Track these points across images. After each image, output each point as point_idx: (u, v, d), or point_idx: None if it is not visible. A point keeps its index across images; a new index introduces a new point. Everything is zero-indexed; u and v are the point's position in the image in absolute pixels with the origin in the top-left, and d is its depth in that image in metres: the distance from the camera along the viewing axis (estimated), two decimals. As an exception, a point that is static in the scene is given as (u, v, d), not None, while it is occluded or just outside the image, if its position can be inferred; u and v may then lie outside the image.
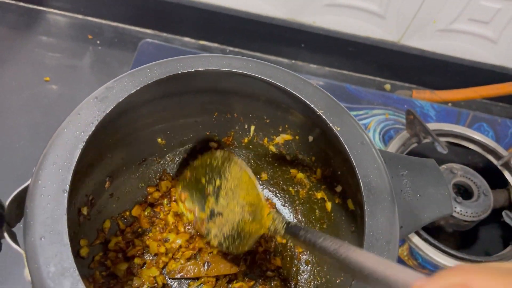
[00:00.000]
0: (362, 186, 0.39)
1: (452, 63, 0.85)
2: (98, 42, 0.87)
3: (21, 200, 0.37)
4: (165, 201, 0.56)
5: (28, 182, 0.37)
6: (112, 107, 0.40)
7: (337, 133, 0.42)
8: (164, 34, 0.89)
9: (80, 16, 0.89)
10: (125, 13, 0.88)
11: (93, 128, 0.39)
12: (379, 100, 0.77)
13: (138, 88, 0.42)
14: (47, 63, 0.83)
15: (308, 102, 0.44)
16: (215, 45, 0.90)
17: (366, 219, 0.38)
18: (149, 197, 0.56)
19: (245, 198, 0.49)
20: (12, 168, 0.71)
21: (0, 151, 0.71)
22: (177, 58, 0.44)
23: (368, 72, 0.91)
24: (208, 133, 0.58)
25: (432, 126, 0.73)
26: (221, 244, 0.48)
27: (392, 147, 0.72)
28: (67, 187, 0.36)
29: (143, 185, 0.57)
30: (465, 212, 0.64)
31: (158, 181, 0.57)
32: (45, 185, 0.36)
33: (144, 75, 0.43)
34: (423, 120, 0.70)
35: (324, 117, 0.43)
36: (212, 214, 0.51)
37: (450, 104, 0.84)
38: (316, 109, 0.43)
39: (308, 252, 0.56)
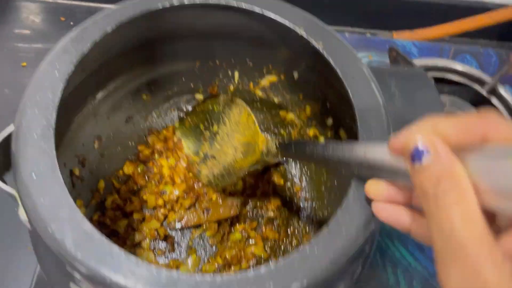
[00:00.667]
0: (351, 95, 0.39)
1: (429, 3, 0.85)
2: (71, 23, 0.86)
3: (6, 146, 0.36)
4: (156, 156, 0.56)
5: (11, 127, 0.36)
6: (90, 48, 0.39)
7: (323, 52, 0.42)
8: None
9: (50, 0, 0.88)
10: (96, -9, 0.86)
11: (73, 68, 0.38)
12: (361, 43, 0.77)
13: (114, 27, 0.41)
14: (22, 51, 0.81)
15: (287, 23, 0.43)
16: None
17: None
18: (140, 154, 0.55)
19: (240, 139, 0.49)
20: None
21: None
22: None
23: (348, 24, 0.91)
24: (192, 85, 0.58)
25: (416, 62, 0.73)
26: (211, 182, 0.48)
27: (379, 87, 0.71)
28: (53, 123, 0.35)
29: (133, 143, 0.56)
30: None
31: (145, 137, 0.57)
32: (30, 125, 0.35)
33: (119, 14, 0.42)
34: (406, 55, 0.69)
35: (305, 35, 0.42)
36: (205, 157, 0.50)
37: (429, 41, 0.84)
38: (296, 29, 0.43)
39: (307, 189, 0.56)
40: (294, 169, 0.58)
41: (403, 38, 0.79)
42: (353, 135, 0.44)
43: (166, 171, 0.54)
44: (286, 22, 0.43)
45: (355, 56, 0.42)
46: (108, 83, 0.51)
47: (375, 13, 0.88)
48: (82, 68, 0.40)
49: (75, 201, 0.49)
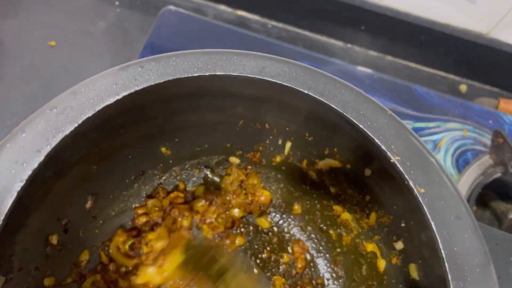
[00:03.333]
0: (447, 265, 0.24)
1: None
2: (117, 3, 0.73)
3: None
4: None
5: None
6: (76, 125, 0.26)
7: (420, 197, 0.27)
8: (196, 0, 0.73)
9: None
10: (151, -30, 0.73)
11: (42, 158, 0.25)
12: (456, 110, 0.60)
13: (119, 98, 0.27)
14: (55, 25, 0.69)
15: (378, 142, 0.28)
16: (256, 17, 0.74)
17: None
18: (136, 220, 0.43)
19: None
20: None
21: (-12, 128, 0.60)
22: (185, 53, 0.29)
23: (441, 68, 0.73)
24: (228, 145, 0.44)
25: (524, 152, 0.56)
26: None
27: (468, 176, 0.55)
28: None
29: (137, 205, 0.44)
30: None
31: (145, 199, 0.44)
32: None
33: (132, 76, 0.28)
34: (516, 147, 0.52)
35: (401, 168, 0.28)
36: None
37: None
38: (389, 154, 0.28)
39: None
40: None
41: (513, 112, 0.62)
42: (432, 284, 0.31)
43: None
44: (377, 141, 0.28)
45: (468, 217, 0.27)
46: (117, 134, 0.38)
47: (479, 62, 0.70)
48: (72, 137, 0.27)
49: (43, 280, 0.39)
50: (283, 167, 0.45)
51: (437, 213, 0.26)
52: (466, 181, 0.55)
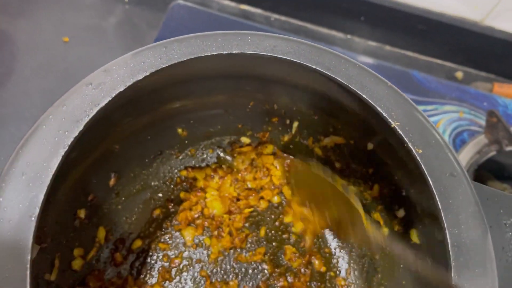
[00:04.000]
0: (449, 242, 0.27)
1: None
2: (126, 0, 0.76)
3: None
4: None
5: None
6: (110, 98, 0.30)
7: (418, 157, 0.30)
8: (201, -5, 0.77)
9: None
10: (158, -33, 0.76)
11: (82, 127, 0.28)
12: (453, 93, 0.63)
13: (147, 74, 0.31)
14: (68, 21, 0.73)
15: (379, 109, 0.31)
16: (259, 11, 0.77)
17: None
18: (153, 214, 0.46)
19: None
20: (20, 139, 0.63)
21: (7, 119, 0.63)
22: (203, 35, 0.32)
23: (437, 56, 0.76)
24: (240, 126, 0.47)
25: (518, 132, 0.59)
26: None
27: (465, 154, 0.58)
28: (37, 211, 0.26)
29: (156, 183, 0.47)
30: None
31: (173, 188, 0.47)
32: (7, 204, 0.26)
33: (158, 55, 0.31)
34: (508, 125, 0.56)
35: (401, 132, 0.31)
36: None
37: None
38: (390, 120, 0.31)
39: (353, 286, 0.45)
40: (342, 258, 0.47)
41: (507, 94, 0.65)
42: (431, 246, 0.34)
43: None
44: (379, 109, 0.31)
45: (461, 174, 0.30)
46: (140, 114, 0.41)
47: (474, 49, 0.73)
48: (103, 116, 0.30)
49: (73, 250, 0.42)
50: (290, 146, 0.48)
51: (434, 170, 0.30)
52: (463, 159, 0.58)
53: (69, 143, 0.28)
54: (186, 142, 0.47)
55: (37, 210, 0.26)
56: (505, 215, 0.31)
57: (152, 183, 0.46)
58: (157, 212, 0.46)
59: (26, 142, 0.28)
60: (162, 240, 0.45)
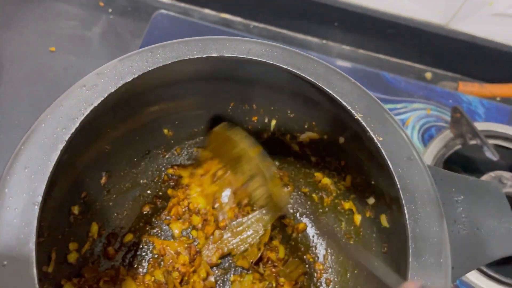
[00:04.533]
0: (407, 217, 0.31)
1: (507, 52, 0.74)
2: (110, 10, 0.79)
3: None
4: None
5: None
6: (102, 99, 0.33)
7: (379, 144, 0.34)
8: (182, 4, 0.80)
9: (91, -19, 0.81)
10: (140, -21, 0.79)
11: (77, 125, 0.32)
12: (420, 92, 0.68)
13: (135, 76, 0.34)
14: (54, 32, 0.75)
15: (344, 103, 0.35)
16: (238, 19, 0.81)
17: (410, 259, 0.30)
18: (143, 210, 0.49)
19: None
20: (10, 146, 0.65)
21: (-3, 127, 0.65)
22: (185, 40, 0.36)
23: (407, 58, 0.81)
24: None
25: (480, 126, 0.64)
26: None
27: (433, 148, 0.63)
28: (39, 198, 0.29)
29: (144, 181, 0.50)
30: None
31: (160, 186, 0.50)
32: (12, 194, 0.29)
33: (145, 59, 0.35)
34: (471, 120, 0.60)
35: (364, 123, 0.35)
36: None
37: (498, 99, 0.74)
38: (354, 112, 0.35)
39: (330, 271, 0.49)
40: (320, 246, 0.50)
41: (470, 92, 0.70)
42: (398, 227, 0.37)
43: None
44: (344, 103, 0.35)
45: (417, 158, 0.34)
46: (129, 116, 0.44)
47: (441, 51, 0.78)
48: (94, 117, 0.34)
49: (68, 244, 0.44)
50: (269, 143, 0.51)
51: (393, 155, 0.34)
52: (431, 153, 0.62)
53: (67, 139, 0.31)
54: (172, 141, 0.50)
55: (40, 198, 0.29)
56: (457, 193, 0.35)
57: (141, 181, 0.50)
58: (146, 208, 0.49)
59: (27, 139, 0.31)
60: (152, 233, 0.48)
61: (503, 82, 0.75)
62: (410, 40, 0.77)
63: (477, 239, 0.33)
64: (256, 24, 0.81)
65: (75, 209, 0.44)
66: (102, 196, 0.47)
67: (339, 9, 0.75)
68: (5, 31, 0.74)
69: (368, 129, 0.34)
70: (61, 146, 0.31)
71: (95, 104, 0.32)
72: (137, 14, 0.79)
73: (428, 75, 0.80)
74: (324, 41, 0.81)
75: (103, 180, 0.46)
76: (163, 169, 0.51)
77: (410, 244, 0.30)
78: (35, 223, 0.28)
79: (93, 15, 0.79)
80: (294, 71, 0.36)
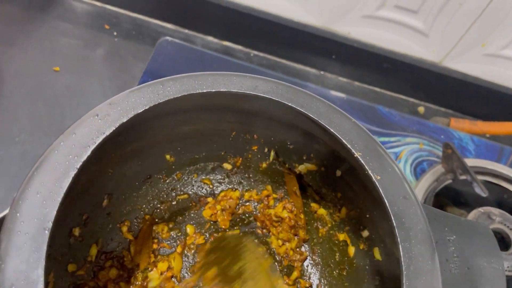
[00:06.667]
0: (401, 254, 0.33)
1: (497, 91, 0.77)
2: (114, 33, 0.81)
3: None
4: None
5: (6, 211, 0.31)
6: (114, 128, 0.34)
7: (377, 183, 0.35)
8: (186, 31, 0.82)
9: (98, 4, 0.83)
10: (146, 4, 0.82)
11: (89, 153, 0.33)
12: (414, 126, 0.70)
13: (146, 108, 0.35)
14: (59, 51, 0.77)
15: (344, 141, 0.37)
16: (239, 47, 0.83)
17: (404, 296, 0.31)
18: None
19: None
20: (9, 163, 0.65)
21: (-3, 144, 0.66)
22: (195, 75, 0.38)
23: (401, 92, 0.84)
24: (223, 153, 0.52)
25: (470, 162, 0.66)
26: None
27: (424, 182, 0.64)
28: (50, 224, 0.30)
29: (143, 205, 0.51)
30: (501, 266, 0.57)
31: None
32: (24, 219, 0.30)
33: (156, 91, 0.36)
34: (462, 156, 0.62)
35: (362, 161, 0.36)
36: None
37: (488, 136, 0.76)
38: (353, 151, 0.37)
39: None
40: (313, 276, 0.51)
41: (462, 129, 0.72)
42: (391, 261, 0.39)
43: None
44: (344, 141, 0.37)
45: (413, 198, 0.36)
46: (133, 141, 0.46)
47: (434, 87, 0.81)
48: (102, 144, 0.35)
49: (67, 264, 0.45)
50: (268, 172, 0.53)
51: (389, 193, 0.35)
52: (423, 186, 0.64)
53: (78, 167, 0.32)
54: (173, 167, 0.51)
55: (50, 224, 0.30)
56: (449, 232, 0.36)
57: (141, 205, 0.50)
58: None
59: (40, 164, 0.32)
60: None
61: (493, 119, 0.78)
62: (405, 75, 0.80)
63: (468, 278, 0.35)
64: (256, 52, 0.83)
65: (76, 231, 0.44)
66: (103, 219, 0.48)
67: (336, 42, 0.78)
68: (9, 47, 0.75)
69: (366, 167, 0.36)
70: (72, 173, 0.32)
71: (107, 133, 0.34)
72: (141, 38, 0.81)
73: (421, 109, 0.82)
74: (321, 72, 0.84)
75: (104, 203, 0.47)
76: (162, 193, 0.52)
77: (404, 282, 0.32)
78: (44, 248, 0.29)
79: (97, 37, 0.80)
80: (298, 108, 0.38)
